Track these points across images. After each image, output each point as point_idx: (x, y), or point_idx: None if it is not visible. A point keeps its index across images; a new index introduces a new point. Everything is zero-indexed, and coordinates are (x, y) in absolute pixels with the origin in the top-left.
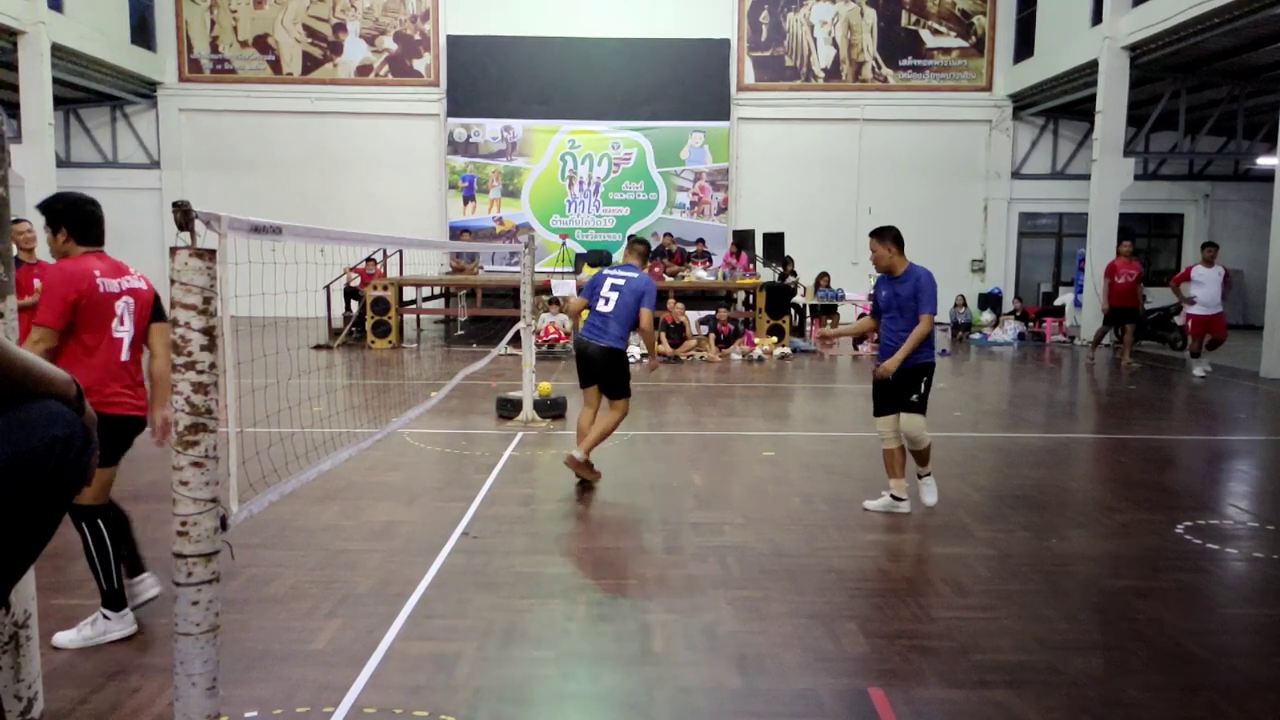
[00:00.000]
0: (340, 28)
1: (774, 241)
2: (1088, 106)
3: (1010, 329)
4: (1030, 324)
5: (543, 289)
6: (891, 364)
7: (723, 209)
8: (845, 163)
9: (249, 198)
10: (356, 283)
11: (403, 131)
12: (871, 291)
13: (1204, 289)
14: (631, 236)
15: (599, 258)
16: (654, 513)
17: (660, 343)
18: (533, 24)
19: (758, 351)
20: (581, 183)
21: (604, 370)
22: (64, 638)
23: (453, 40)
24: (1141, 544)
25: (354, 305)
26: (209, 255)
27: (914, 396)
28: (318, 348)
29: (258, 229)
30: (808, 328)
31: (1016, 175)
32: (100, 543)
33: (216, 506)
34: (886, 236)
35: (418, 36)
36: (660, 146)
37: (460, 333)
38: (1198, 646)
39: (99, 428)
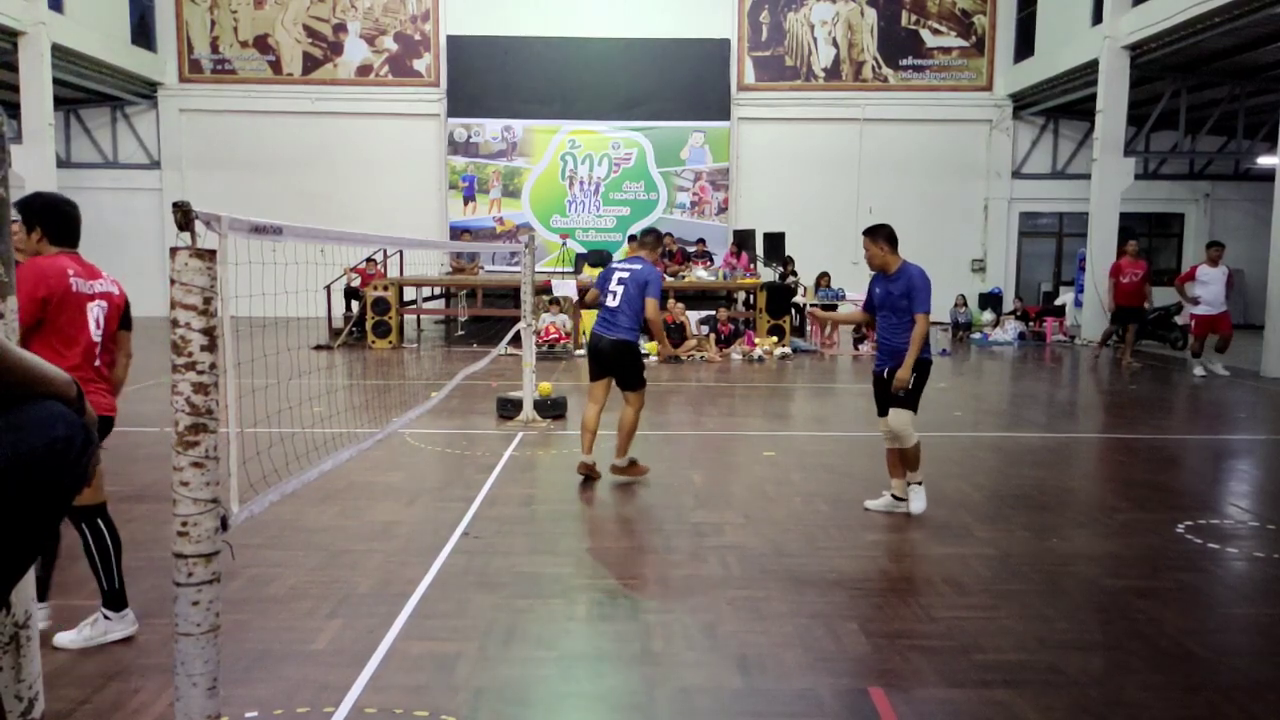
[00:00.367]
0: (340, 28)
1: (775, 241)
2: (1088, 106)
3: (1011, 329)
4: (1031, 324)
5: (543, 289)
6: (904, 374)
7: (723, 209)
8: (846, 162)
9: (249, 198)
10: (357, 283)
11: (403, 132)
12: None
13: (1209, 289)
14: (633, 235)
15: (599, 258)
16: (654, 512)
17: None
18: (533, 24)
19: (758, 351)
20: (582, 183)
21: (616, 363)
22: (65, 638)
23: (453, 40)
24: (1142, 544)
25: (354, 305)
26: (209, 255)
27: (901, 392)
28: (318, 348)
29: (258, 229)
30: (808, 328)
31: (1017, 175)
32: (101, 542)
33: (217, 507)
34: (879, 235)
35: (418, 37)
36: (660, 146)
37: (460, 333)
38: (1198, 646)
39: None
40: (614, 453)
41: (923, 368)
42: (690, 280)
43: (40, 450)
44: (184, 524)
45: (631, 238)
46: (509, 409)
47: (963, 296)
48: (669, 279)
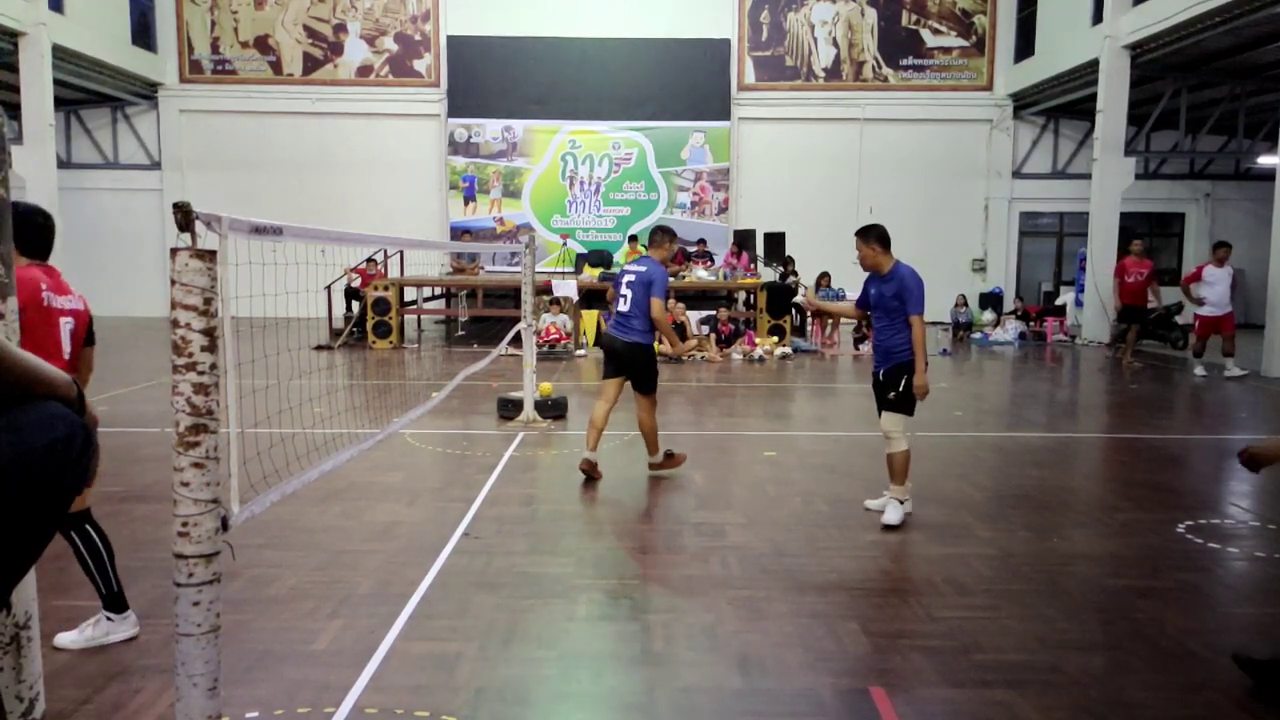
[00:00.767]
0: (341, 28)
1: (775, 241)
2: (1088, 106)
3: (1011, 328)
4: (1031, 323)
5: (543, 289)
6: (920, 379)
7: (723, 209)
8: (846, 162)
9: (250, 198)
10: (357, 283)
11: (403, 132)
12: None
13: (1214, 289)
14: (633, 235)
15: (600, 258)
16: (655, 513)
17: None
18: (533, 24)
19: (758, 351)
20: (582, 183)
21: (630, 365)
22: (66, 638)
23: (453, 41)
24: (1143, 543)
25: (354, 306)
26: (209, 256)
27: (891, 394)
28: (319, 348)
29: (259, 230)
30: (809, 328)
31: (1017, 175)
32: (92, 546)
33: (217, 507)
34: (870, 236)
35: (418, 37)
36: (661, 146)
37: (460, 333)
38: (1199, 646)
39: None
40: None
41: (909, 369)
42: (690, 280)
43: (41, 450)
44: (184, 524)
45: (632, 238)
46: (509, 409)
47: (963, 296)
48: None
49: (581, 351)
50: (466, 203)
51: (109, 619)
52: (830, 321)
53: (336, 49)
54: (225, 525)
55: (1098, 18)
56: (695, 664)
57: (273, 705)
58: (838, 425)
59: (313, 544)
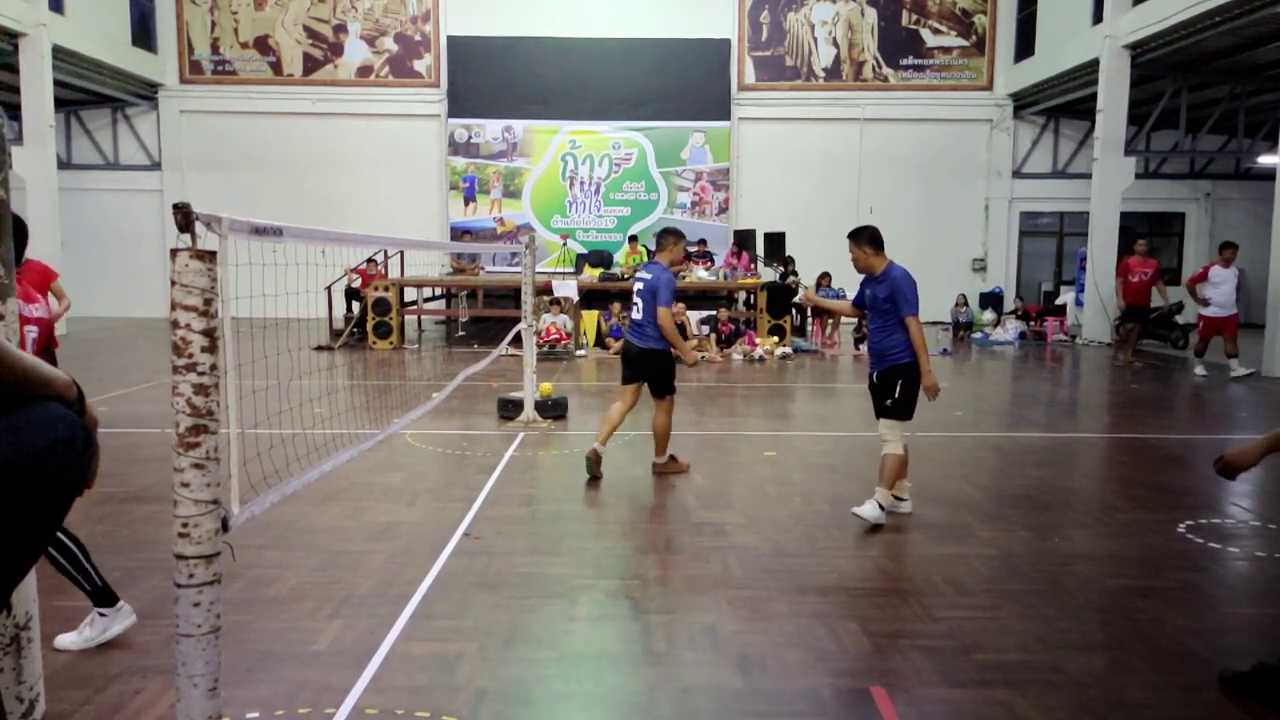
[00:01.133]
0: (341, 29)
1: (775, 241)
2: (1088, 105)
3: (1011, 328)
4: (1031, 323)
5: (544, 289)
6: (929, 380)
7: (724, 209)
8: (846, 162)
9: (250, 199)
10: (357, 283)
11: (403, 132)
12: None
13: (1220, 290)
14: (633, 236)
15: (600, 258)
16: (656, 513)
17: None
18: (533, 25)
19: (759, 351)
20: (582, 183)
21: (646, 371)
22: (66, 640)
23: (453, 41)
24: (1143, 543)
25: (355, 306)
26: (210, 257)
27: (888, 400)
28: (319, 349)
29: (259, 230)
30: (809, 328)
31: (1017, 174)
32: (63, 548)
33: (218, 508)
34: (862, 238)
35: (418, 37)
36: (661, 147)
37: (461, 334)
38: (1199, 645)
39: None
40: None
41: (911, 372)
42: (691, 280)
43: (41, 451)
44: (185, 525)
45: (632, 238)
46: (510, 409)
47: (963, 296)
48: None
49: (582, 352)
50: (467, 203)
51: (102, 614)
52: (830, 321)
53: (336, 49)
54: (225, 526)
55: (1098, 17)
56: (696, 664)
57: (273, 706)
58: (838, 425)
59: (313, 544)
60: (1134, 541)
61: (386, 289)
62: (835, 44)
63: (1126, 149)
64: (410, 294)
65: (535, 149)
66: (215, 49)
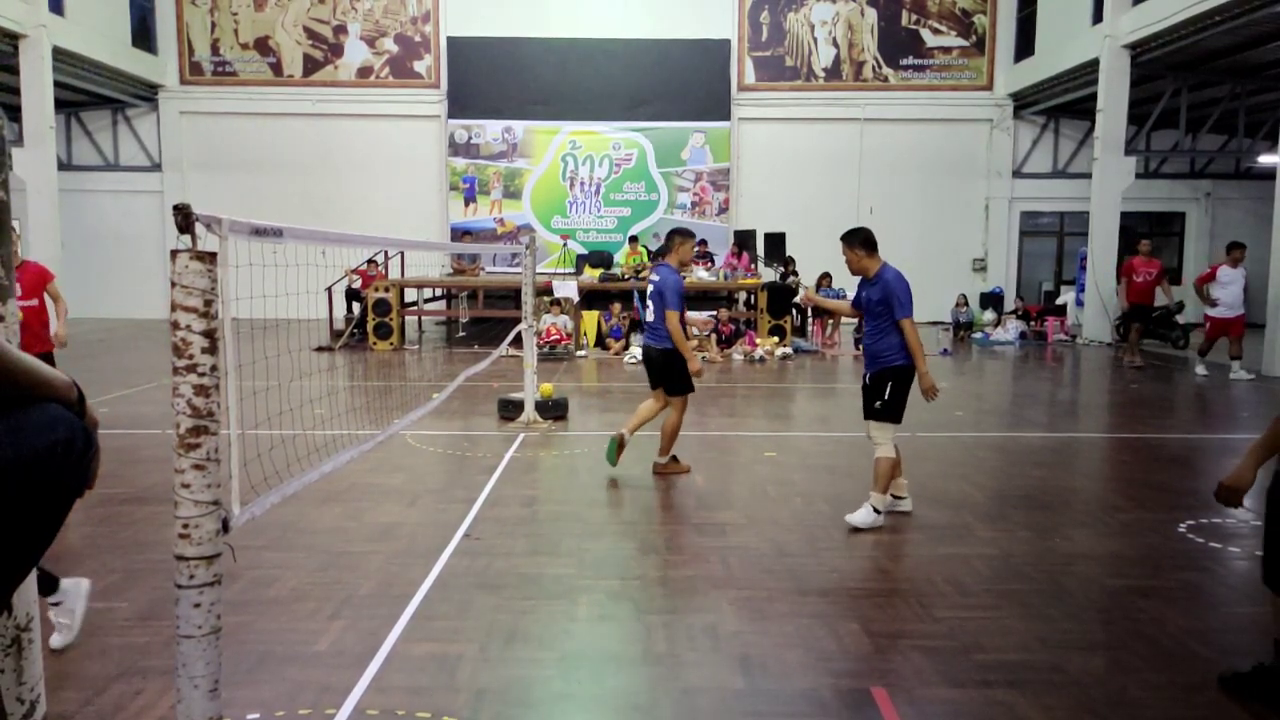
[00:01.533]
0: (341, 30)
1: (775, 242)
2: (1088, 105)
3: (1012, 328)
4: (1032, 323)
5: (544, 290)
6: (928, 384)
7: (724, 209)
8: (846, 162)
9: (250, 200)
10: (358, 284)
11: (404, 133)
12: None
13: (1228, 290)
14: (633, 236)
15: (600, 259)
16: (656, 513)
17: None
18: (533, 25)
19: (759, 352)
20: (583, 183)
21: (663, 371)
22: (57, 641)
23: (453, 42)
24: (1144, 543)
25: (355, 307)
26: (210, 258)
27: (877, 403)
28: (320, 349)
29: (259, 231)
30: (809, 328)
31: (1018, 174)
32: None
33: (218, 509)
34: (855, 240)
35: (418, 38)
36: (661, 147)
37: (461, 334)
38: (1200, 645)
39: None
40: (656, 454)
41: (903, 375)
42: (691, 281)
43: (42, 452)
44: (185, 526)
45: (632, 238)
46: (510, 410)
47: (964, 296)
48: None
49: (582, 352)
50: (467, 204)
51: (55, 604)
52: (831, 321)
53: (337, 50)
54: (226, 527)
55: (1098, 17)
56: (697, 664)
57: (274, 707)
58: (839, 425)
59: (314, 545)
60: (1135, 541)
61: (387, 290)
62: (835, 44)
63: (1127, 149)
64: (411, 294)
65: (535, 149)
66: (215, 50)
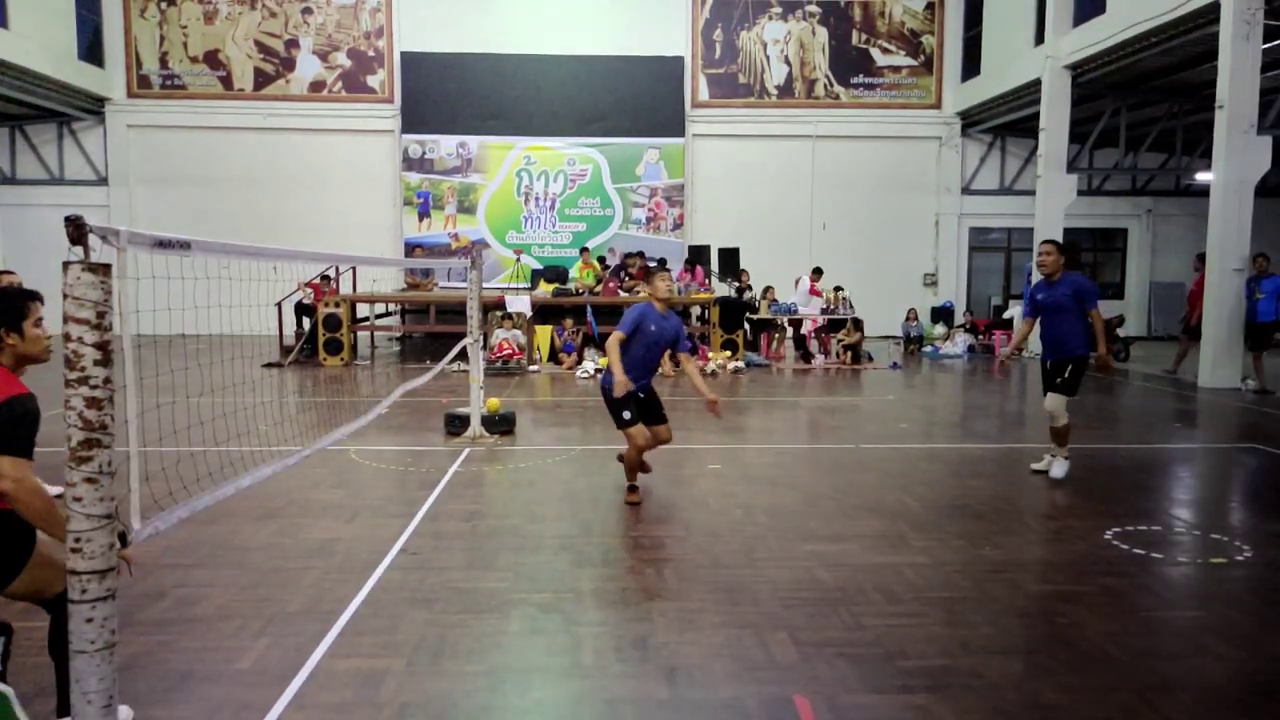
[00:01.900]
0: (293, 44)
1: (730, 256)
2: (1033, 124)
3: (960, 342)
4: (980, 336)
5: (497, 304)
6: (1106, 360)
7: (678, 225)
8: (799, 178)
9: (200, 214)
10: (310, 298)
11: (357, 147)
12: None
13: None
14: (585, 248)
15: (555, 274)
16: (596, 526)
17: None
18: (487, 41)
19: (711, 365)
20: (538, 199)
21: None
22: None
23: (407, 57)
24: (1071, 550)
25: (305, 322)
26: (103, 270)
27: (1058, 379)
28: (269, 365)
29: (162, 244)
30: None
31: (966, 191)
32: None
33: (112, 523)
34: (1063, 248)
35: (371, 53)
36: (616, 163)
37: (397, 349)
38: (1117, 648)
39: None
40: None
41: (1082, 362)
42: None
43: None
44: (77, 540)
45: (583, 250)
46: (456, 425)
47: (914, 310)
48: (623, 294)
49: (535, 367)
50: (421, 219)
51: None
52: (778, 336)
53: (289, 64)
54: (124, 541)
55: (1039, 39)
56: (624, 676)
57: None
58: (784, 438)
59: (245, 562)
60: (1062, 548)
61: (337, 305)
62: (787, 62)
63: (1069, 166)
64: (363, 310)
65: (490, 165)
66: (164, 63)
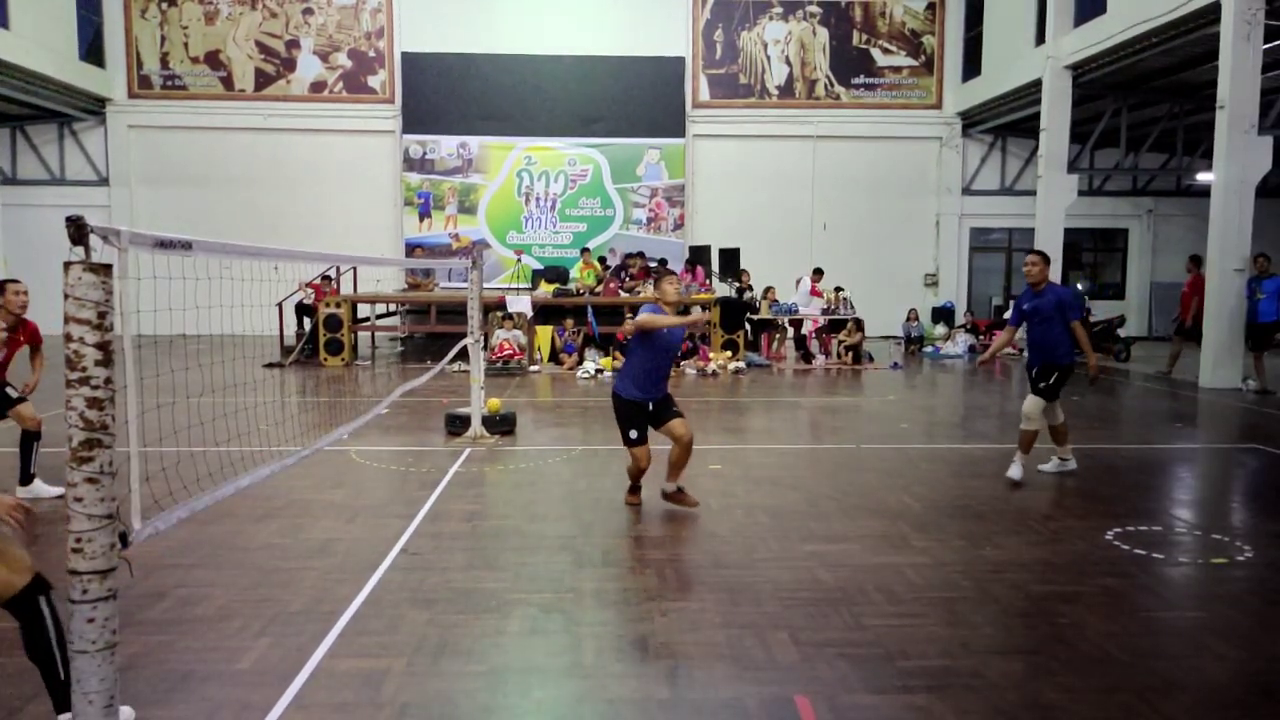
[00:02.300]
0: (294, 44)
1: (730, 257)
2: (1034, 124)
3: (961, 342)
4: (980, 337)
5: (498, 305)
6: (1096, 367)
7: (679, 225)
8: (800, 178)
9: (200, 215)
10: (311, 298)
11: (357, 148)
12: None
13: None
14: (585, 248)
15: (556, 274)
16: (597, 527)
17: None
18: (487, 42)
19: (712, 366)
20: (538, 199)
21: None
22: None
23: (407, 57)
24: (1072, 550)
25: (306, 323)
26: (105, 270)
27: (1041, 384)
28: (269, 366)
29: (163, 244)
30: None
31: (967, 191)
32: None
33: (113, 523)
34: (1047, 258)
35: (372, 53)
36: (616, 163)
37: (399, 349)
38: (1117, 649)
39: None
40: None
41: (1066, 371)
42: (644, 296)
43: None
44: (78, 540)
45: (584, 250)
46: (457, 425)
47: (915, 310)
48: (624, 294)
49: (535, 368)
50: (421, 219)
51: None
52: (778, 336)
53: (289, 65)
54: (125, 541)
55: (1040, 39)
56: (624, 676)
57: None
58: (785, 438)
59: (246, 562)
60: (1063, 549)
61: (338, 305)
62: (788, 62)
63: (1070, 166)
64: (364, 310)
65: (491, 165)
66: (165, 64)
